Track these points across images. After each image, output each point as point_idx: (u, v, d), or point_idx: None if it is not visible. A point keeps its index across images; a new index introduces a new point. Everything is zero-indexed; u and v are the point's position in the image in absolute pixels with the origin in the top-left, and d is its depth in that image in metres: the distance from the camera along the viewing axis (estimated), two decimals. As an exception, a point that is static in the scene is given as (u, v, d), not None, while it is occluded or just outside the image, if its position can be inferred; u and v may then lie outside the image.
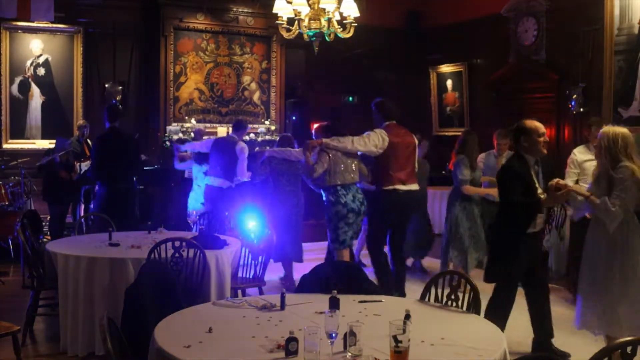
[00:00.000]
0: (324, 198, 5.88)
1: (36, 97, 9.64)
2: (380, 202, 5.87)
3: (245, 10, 10.44)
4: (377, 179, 5.93)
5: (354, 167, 5.85)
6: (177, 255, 4.54)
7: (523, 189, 4.40)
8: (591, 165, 6.04)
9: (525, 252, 4.54)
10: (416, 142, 6.20)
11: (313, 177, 5.80)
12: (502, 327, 4.58)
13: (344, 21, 6.20)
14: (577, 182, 6.13)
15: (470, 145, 6.47)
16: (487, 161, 7.05)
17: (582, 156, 6.20)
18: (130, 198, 7.15)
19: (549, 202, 4.44)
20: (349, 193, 5.77)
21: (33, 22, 9.34)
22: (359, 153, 5.91)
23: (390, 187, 5.81)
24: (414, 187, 5.97)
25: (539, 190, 4.45)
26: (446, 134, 11.46)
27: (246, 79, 10.66)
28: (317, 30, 6.09)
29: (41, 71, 9.65)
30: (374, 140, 5.75)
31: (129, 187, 7.11)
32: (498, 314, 4.46)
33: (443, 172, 9.57)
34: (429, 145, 8.46)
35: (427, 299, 3.54)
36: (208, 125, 10.17)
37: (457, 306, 3.42)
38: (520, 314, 6.00)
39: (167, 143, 9.74)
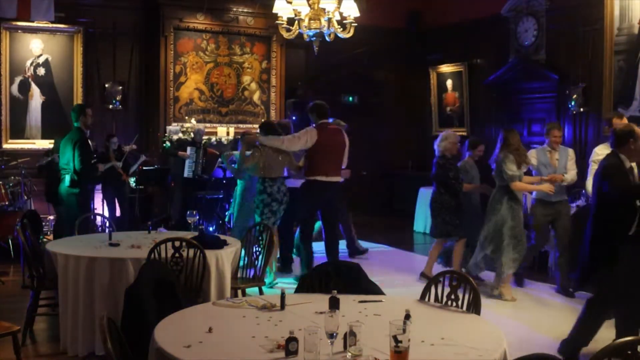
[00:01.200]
0: (256, 187, 6.83)
1: (36, 97, 9.64)
2: (305, 190, 6.82)
3: (245, 10, 10.45)
4: (305, 170, 6.83)
5: (282, 165, 6.83)
6: (177, 255, 4.54)
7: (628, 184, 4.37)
8: None
9: (632, 255, 4.37)
10: (346, 140, 6.97)
11: (242, 167, 6.82)
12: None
13: (344, 21, 6.20)
14: None
15: (514, 142, 6.29)
16: (539, 157, 6.72)
17: (606, 151, 6.16)
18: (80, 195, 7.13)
19: None
20: (274, 185, 6.73)
21: (33, 22, 9.34)
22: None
23: (312, 178, 6.71)
24: (336, 179, 6.84)
25: None
26: (446, 134, 11.46)
27: (246, 79, 10.67)
28: (317, 30, 6.09)
29: (41, 71, 9.66)
30: (303, 139, 6.65)
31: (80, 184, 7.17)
32: (628, 323, 4.39)
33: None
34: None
35: (427, 299, 3.54)
36: (208, 125, 10.17)
37: (457, 306, 3.42)
38: (520, 312, 6.02)
39: (167, 143, 9.74)
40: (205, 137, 9.75)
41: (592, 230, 4.61)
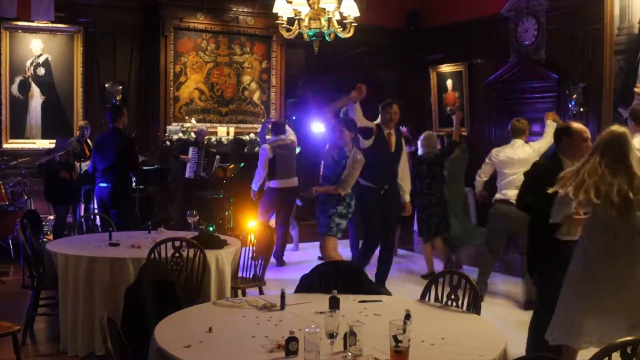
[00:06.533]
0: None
1: (36, 97, 9.64)
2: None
3: (245, 10, 10.44)
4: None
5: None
6: (177, 255, 4.54)
7: None
8: None
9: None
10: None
11: None
12: None
13: (344, 21, 6.20)
14: None
15: None
16: None
17: None
18: (124, 198, 7.18)
19: None
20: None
21: (33, 22, 9.33)
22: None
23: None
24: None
25: None
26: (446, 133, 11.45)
27: (246, 78, 10.66)
28: (317, 30, 6.09)
29: (41, 71, 9.65)
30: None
31: (125, 187, 7.19)
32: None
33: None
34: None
35: (427, 299, 3.54)
36: (208, 125, 10.17)
37: (457, 306, 3.42)
38: (520, 312, 6.02)
39: (167, 143, 9.74)
40: (206, 138, 9.75)
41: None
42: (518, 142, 6.51)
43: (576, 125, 4.42)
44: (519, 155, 6.41)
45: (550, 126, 6.63)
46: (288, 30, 6.26)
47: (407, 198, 6.56)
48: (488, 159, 6.67)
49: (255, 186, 7.99)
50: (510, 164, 6.42)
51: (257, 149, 9.36)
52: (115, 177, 6.97)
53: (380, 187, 6.32)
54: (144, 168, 9.25)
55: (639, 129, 5.58)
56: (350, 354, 2.53)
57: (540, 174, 4.24)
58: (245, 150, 10.14)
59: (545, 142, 6.56)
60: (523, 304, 6.26)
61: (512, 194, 6.27)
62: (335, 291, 3.16)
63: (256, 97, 10.74)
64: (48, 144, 9.18)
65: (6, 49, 9.39)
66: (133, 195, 8.93)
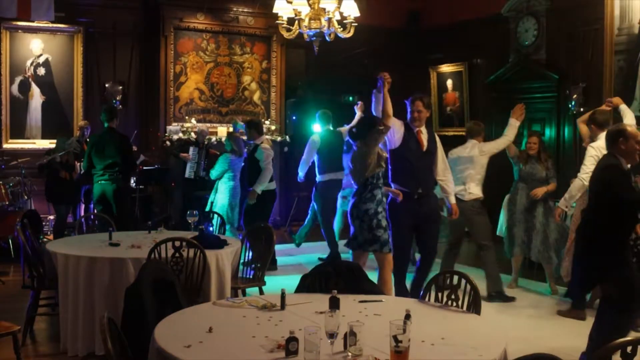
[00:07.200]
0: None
1: (36, 97, 9.64)
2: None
3: (246, 10, 10.45)
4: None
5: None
6: (177, 255, 4.54)
7: None
8: None
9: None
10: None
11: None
12: None
13: (344, 21, 6.20)
14: None
15: None
16: None
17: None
18: (122, 197, 7.25)
19: None
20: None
21: (33, 21, 9.33)
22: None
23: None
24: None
25: None
26: (446, 133, 11.45)
27: (246, 78, 10.66)
28: (317, 30, 6.09)
29: (41, 71, 9.65)
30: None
31: (126, 185, 7.30)
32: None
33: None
34: None
35: (427, 299, 3.55)
36: (208, 125, 10.18)
37: (457, 306, 3.42)
38: (520, 312, 6.02)
39: (167, 143, 9.74)
40: (206, 137, 9.75)
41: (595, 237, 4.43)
42: (472, 142, 6.70)
43: (630, 128, 4.49)
44: (467, 153, 6.60)
45: (513, 125, 6.70)
46: (288, 30, 6.27)
47: (453, 200, 5.90)
48: None
49: (260, 189, 7.53)
50: (459, 162, 6.57)
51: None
52: (117, 175, 7.21)
53: (413, 191, 5.57)
54: (144, 168, 9.26)
55: (599, 131, 5.74)
56: (350, 354, 2.53)
57: (614, 172, 4.33)
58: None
59: (498, 143, 6.73)
60: (487, 297, 6.31)
61: (459, 189, 6.43)
62: (335, 291, 3.16)
63: (256, 97, 10.74)
64: (48, 144, 9.18)
65: (6, 49, 9.39)
66: (133, 195, 8.93)
